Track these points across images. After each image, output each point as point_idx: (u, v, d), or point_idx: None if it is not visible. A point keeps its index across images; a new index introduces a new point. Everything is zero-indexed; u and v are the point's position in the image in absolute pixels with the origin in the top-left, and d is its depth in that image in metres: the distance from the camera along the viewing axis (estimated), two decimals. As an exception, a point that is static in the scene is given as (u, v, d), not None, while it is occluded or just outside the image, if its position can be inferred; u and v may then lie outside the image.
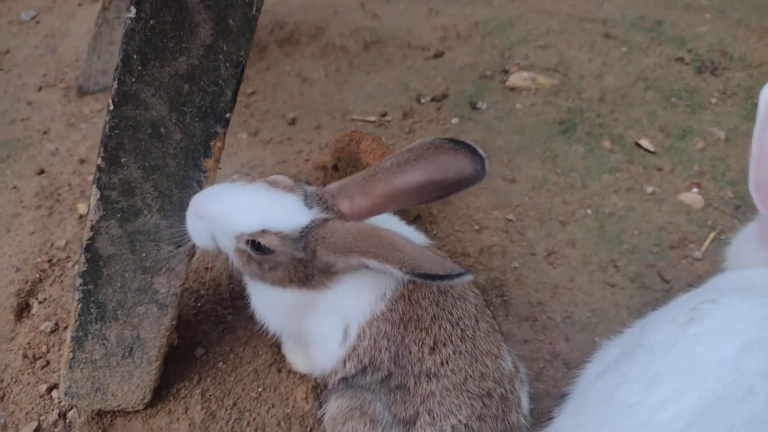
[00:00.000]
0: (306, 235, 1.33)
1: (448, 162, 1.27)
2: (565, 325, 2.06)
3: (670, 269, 2.25)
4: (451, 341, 1.41)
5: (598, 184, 2.56)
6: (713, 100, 3.08)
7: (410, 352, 1.41)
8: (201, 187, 1.47)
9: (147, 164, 1.42)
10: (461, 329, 1.42)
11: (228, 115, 1.40)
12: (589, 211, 2.45)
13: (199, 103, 1.37)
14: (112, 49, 3.15)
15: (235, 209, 1.34)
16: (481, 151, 1.25)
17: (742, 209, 2.49)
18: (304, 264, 1.38)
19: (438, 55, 3.33)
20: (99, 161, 1.40)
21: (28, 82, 3.30)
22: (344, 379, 1.50)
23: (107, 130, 1.37)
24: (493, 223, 2.38)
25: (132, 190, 1.44)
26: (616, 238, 2.36)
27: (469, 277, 1.16)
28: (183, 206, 1.47)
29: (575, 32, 3.48)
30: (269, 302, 1.54)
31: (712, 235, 2.38)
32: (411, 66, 3.30)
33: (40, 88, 3.26)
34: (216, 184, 1.45)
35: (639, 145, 2.75)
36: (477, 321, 1.45)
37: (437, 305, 1.43)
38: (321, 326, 1.50)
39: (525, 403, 1.51)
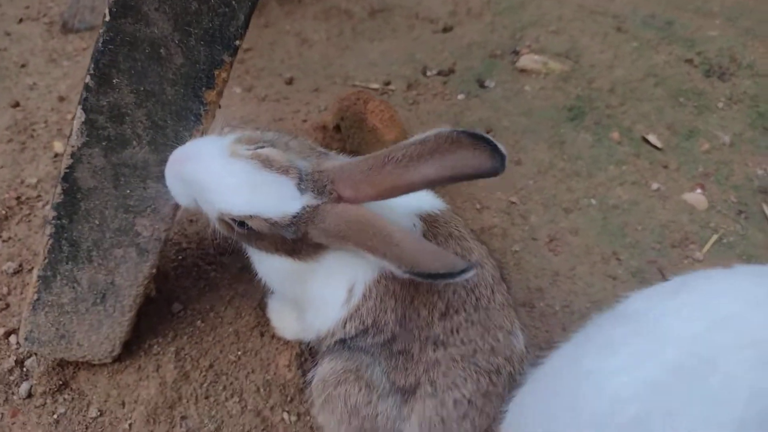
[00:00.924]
0: (296, 221, 1.23)
1: (465, 157, 1.15)
2: (563, 314, 1.97)
3: (671, 267, 2.18)
4: (464, 309, 1.30)
5: (604, 174, 2.47)
6: (720, 105, 3.02)
7: (419, 315, 1.29)
8: (199, 122, 1.32)
9: (141, 88, 1.26)
10: (476, 297, 1.31)
11: (237, 42, 1.26)
12: (593, 200, 2.36)
13: (207, 24, 1.22)
14: (103, -14, 2.95)
15: (222, 188, 1.21)
16: (502, 148, 1.13)
17: (745, 215, 2.43)
18: (292, 240, 1.27)
19: (447, 29, 3.20)
20: (87, 79, 1.24)
21: (8, 13, 3.08)
22: (342, 341, 1.38)
23: (100, 44, 1.21)
24: (495, 204, 2.27)
25: (122, 117, 1.29)
26: (619, 231, 2.28)
27: (471, 273, 1.08)
28: (177, 140, 1.33)
29: (587, 22, 3.39)
30: (268, 267, 1.43)
31: (714, 237, 2.32)
32: (418, 37, 3.16)
33: (21, 20, 3.04)
34: (203, 139, 1.32)
35: (646, 140, 2.67)
36: (493, 291, 1.34)
37: None
38: (324, 287, 1.37)
39: None
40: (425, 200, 1.42)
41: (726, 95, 3.09)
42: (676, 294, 1.14)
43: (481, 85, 2.83)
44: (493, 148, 1.13)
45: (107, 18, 1.18)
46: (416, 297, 1.30)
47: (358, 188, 1.23)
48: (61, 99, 2.50)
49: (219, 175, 1.21)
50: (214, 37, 1.23)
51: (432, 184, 1.21)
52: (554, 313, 1.98)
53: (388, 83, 2.81)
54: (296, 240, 1.26)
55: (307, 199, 1.22)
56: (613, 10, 3.73)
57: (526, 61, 2.90)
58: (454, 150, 1.15)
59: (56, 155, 2.20)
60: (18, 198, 2.03)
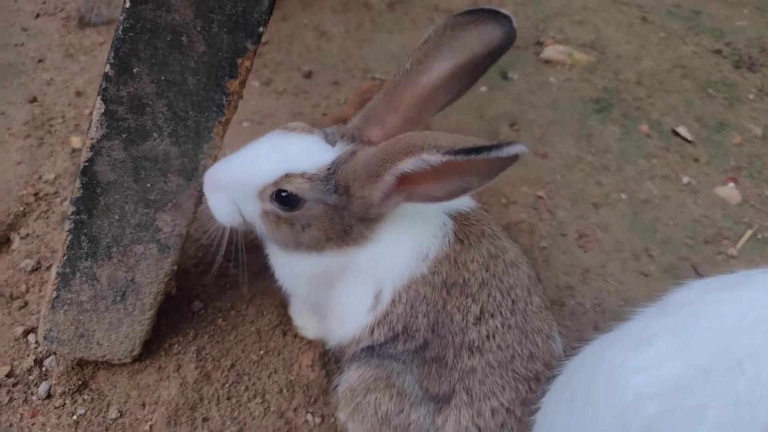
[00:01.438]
0: (335, 173, 1.17)
1: (472, 37, 1.11)
2: (594, 312, 1.90)
3: (704, 264, 2.10)
4: (500, 312, 1.22)
5: (633, 168, 2.39)
6: (750, 96, 2.93)
7: (452, 321, 1.22)
8: (221, 113, 1.27)
9: (162, 78, 1.21)
10: (512, 300, 1.24)
11: (261, 29, 1.21)
12: (623, 195, 2.29)
13: (230, 10, 1.17)
14: (120, -20, 2.92)
15: (252, 161, 1.20)
16: (504, 10, 1.10)
17: (780, 209, 2.34)
18: (339, 214, 1.20)
19: (468, 21, 3.13)
20: (107, 68, 1.19)
21: (25, 8, 3.05)
22: (369, 348, 1.31)
23: (120, 32, 1.16)
24: (521, 199, 2.20)
25: (142, 107, 1.24)
26: (650, 227, 2.20)
27: (522, 149, 0.96)
28: (198, 131, 1.28)
29: (612, 12, 3.31)
30: (296, 272, 1.37)
31: (749, 233, 2.23)
32: (438, 30, 3.10)
33: (38, 15, 3.01)
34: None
35: (676, 133, 2.59)
36: (530, 293, 1.27)
37: (487, 270, 1.24)
38: (349, 294, 1.31)
39: None
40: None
41: (757, 86, 2.99)
42: (730, 287, 1.06)
43: (505, 77, 2.76)
44: (495, 15, 1.10)
45: (127, 4, 1.13)
46: (449, 301, 1.23)
47: (384, 122, 1.20)
48: (79, 94, 2.47)
49: (245, 159, 1.22)
50: (237, 23, 1.17)
51: (454, 80, 1.16)
52: (585, 312, 1.91)
53: (408, 76, 2.75)
54: (343, 212, 1.20)
55: (339, 149, 1.19)
56: (636, 0, 3.64)
57: (551, 52, 2.82)
58: (459, 35, 1.12)
59: (74, 150, 2.17)
60: (36, 194, 2.00)
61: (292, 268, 1.37)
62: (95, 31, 2.90)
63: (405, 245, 1.26)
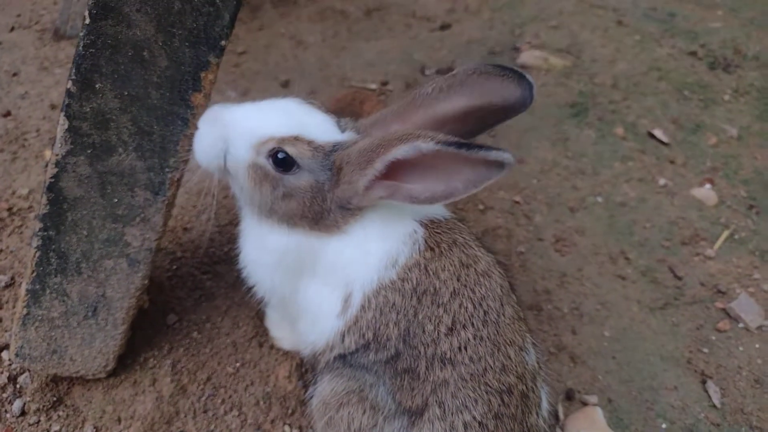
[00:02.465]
0: (337, 152, 1.21)
1: (494, 88, 1.18)
2: (572, 316, 1.91)
3: (681, 265, 2.12)
4: (472, 324, 1.21)
5: (609, 171, 2.41)
6: (726, 97, 2.96)
7: (424, 331, 1.21)
8: (186, 126, 1.27)
9: (125, 93, 1.21)
10: (484, 311, 1.23)
11: (223, 42, 1.21)
12: (599, 198, 2.30)
13: (191, 25, 1.17)
14: (95, -8, 2.91)
15: (265, 113, 1.24)
16: (529, 77, 1.17)
17: (756, 209, 2.36)
18: (323, 194, 1.23)
19: (445, 27, 3.15)
20: (69, 84, 1.19)
21: None
22: (342, 357, 1.30)
23: (81, 48, 1.16)
24: (498, 204, 2.21)
25: (106, 123, 1.23)
26: (627, 229, 2.21)
27: (509, 157, 1.03)
28: (164, 146, 1.27)
29: (587, 16, 3.34)
30: (264, 248, 1.33)
31: (725, 233, 2.25)
32: (415, 36, 3.11)
33: (12, 29, 3.00)
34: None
35: (652, 135, 2.61)
36: (502, 304, 1.26)
37: (458, 280, 1.23)
38: (317, 293, 1.30)
39: (545, 404, 1.32)
40: (428, 207, 1.35)
41: (732, 87, 3.02)
42: None
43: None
44: (520, 77, 1.17)
45: (87, 21, 1.13)
46: (420, 310, 1.22)
47: (390, 127, 1.26)
48: (53, 107, 2.45)
49: (261, 107, 1.25)
50: (199, 37, 1.17)
51: (464, 118, 1.22)
52: (562, 316, 1.91)
53: (385, 83, 2.75)
54: (326, 193, 1.22)
55: (346, 136, 1.26)
56: (613, 3, 3.68)
57: (527, 57, 2.84)
58: (483, 82, 1.19)
59: (47, 165, 2.15)
60: (9, 209, 1.98)
61: (261, 242, 1.34)
62: (70, 44, 2.89)
63: (374, 248, 1.26)
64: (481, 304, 1.23)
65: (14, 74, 2.66)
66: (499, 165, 1.05)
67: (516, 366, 1.22)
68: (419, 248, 1.25)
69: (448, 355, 1.20)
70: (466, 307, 1.22)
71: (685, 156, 2.56)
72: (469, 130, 1.25)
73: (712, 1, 3.95)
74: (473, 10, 3.24)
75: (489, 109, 1.21)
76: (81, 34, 1.15)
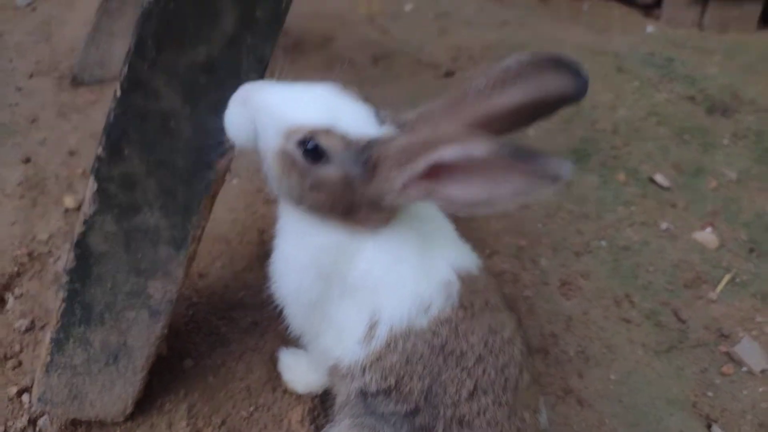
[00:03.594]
0: (371, 149, 1.13)
1: (548, 80, 1.11)
2: (578, 359, 1.95)
3: (685, 308, 2.16)
4: (493, 390, 1.22)
5: (612, 216, 2.47)
6: (725, 141, 3.03)
7: (445, 392, 1.21)
8: (209, 189, 1.33)
9: (152, 158, 1.28)
10: (505, 378, 1.23)
11: (247, 109, 1.27)
12: (603, 242, 2.36)
13: (216, 97, 1.24)
14: (111, 40, 3.02)
15: (298, 99, 1.17)
16: (584, 71, 1.12)
17: (756, 252, 2.42)
18: (353, 188, 1.16)
19: (449, 74, 3.25)
20: (99, 150, 1.26)
21: (19, 68, 3.15)
22: (363, 395, 1.29)
23: (112, 118, 1.24)
24: (504, 249, 2.27)
25: (133, 185, 1.30)
26: (631, 273, 2.26)
27: (567, 169, 0.94)
28: (187, 205, 1.34)
29: (587, 63, 3.40)
30: (300, 249, 1.28)
31: (727, 277, 2.30)
32: (421, 83, 3.21)
33: (32, 75, 3.11)
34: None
35: (653, 180, 2.68)
36: (521, 371, 1.27)
37: (485, 346, 1.24)
38: (344, 307, 1.28)
39: None
40: (463, 254, 1.34)
41: (730, 131, 3.10)
42: None
43: (486, 129, 2.86)
44: (576, 72, 1.12)
45: (118, 93, 1.21)
46: (444, 370, 1.22)
47: (437, 126, 1.17)
48: (71, 153, 2.53)
49: (295, 92, 1.19)
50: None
51: (518, 113, 1.14)
52: (569, 359, 1.95)
53: (393, 129, 2.84)
54: (357, 188, 1.16)
55: (385, 130, 1.17)
56: (612, 49, 3.79)
57: (530, 103, 2.93)
58: (537, 74, 1.12)
59: (66, 210, 2.22)
60: (30, 254, 2.04)
61: (298, 239, 1.29)
62: (88, 90, 2.99)
63: (406, 280, 1.24)
64: (503, 371, 1.24)
65: (33, 120, 2.76)
66: (554, 177, 0.96)
67: (529, 428, 1.24)
68: (453, 304, 1.24)
69: (466, 418, 1.21)
70: (489, 374, 1.22)
71: (686, 200, 2.62)
72: (522, 123, 1.18)
73: (709, 47, 4.07)
74: (477, 58, 3.35)
75: (544, 102, 1.14)
76: (111, 105, 1.22)
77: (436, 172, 1.05)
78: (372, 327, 1.24)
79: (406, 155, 1.07)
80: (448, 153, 1.00)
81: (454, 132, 1.08)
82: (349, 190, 1.16)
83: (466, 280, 1.27)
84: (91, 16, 2.94)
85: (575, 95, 1.13)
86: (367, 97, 1.24)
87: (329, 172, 1.15)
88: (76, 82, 3.04)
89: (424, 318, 1.23)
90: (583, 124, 2.92)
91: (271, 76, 1.35)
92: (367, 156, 1.13)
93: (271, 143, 1.18)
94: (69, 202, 2.24)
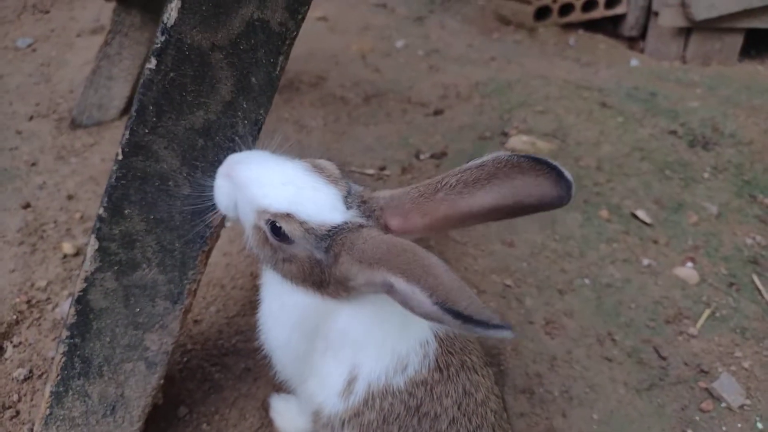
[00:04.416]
0: (333, 236, 1.16)
1: (526, 184, 1.06)
2: (562, 399, 2.00)
3: (666, 345, 2.22)
4: None
5: (595, 253, 2.54)
6: (705, 175, 3.13)
7: None
8: (205, 243, 1.41)
9: (152, 217, 1.35)
10: None
11: (240, 171, 1.35)
12: (586, 280, 2.43)
13: (213, 158, 1.33)
14: (110, 84, 3.11)
15: (266, 181, 1.19)
16: (567, 174, 1.05)
17: (736, 287, 2.49)
18: (321, 267, 1.20)
19: (438, 113, 3.35)
20: (101, 211, 1.33)
21: (19, 111, 3.23)
22: None
23: (113, 180, 1.31)
24: (491, 288, 2.34)
25: (132, 243, 1.37)
26: (614, 310, 2.33)
27: (508, 334, 0.92)
28: (184, 261, 1.41)
29: (573, 99, 3.54)
30: (282, 309, 1.33)
31: (707, 312, 2.37)
32: (411, 121, 3.30)
33: (31, 118, 3.19)
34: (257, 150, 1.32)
35: (635, 216, 2.76)
36: (494, 430, 1.33)
37: (458, 408, 1.29)
38: (326, 362, 1.33)
39: None
40: None
41: (711, 165, 3.20)
42: None
43: (473, 167, 2.94)
44: (558, 174, 1.05)
45: (120, 157, 1.28)
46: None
47: (407, 217, 1.17)
48: (70, 197, 2.60)
49: (267, 172, 1.21)
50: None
51: (489, 215, 1.11)
52: (553, 399, 2.01)
53: (383, 168, 2.92)
54: (324, 268, 1.19)
55: (351, 216, 1.17)
56: (597, 84, 3.91)
57: (515, 142, 3.02)
58: (514, 176, 1.07)
59: (65, 256, 2.28)
60: (29, 302, 2.10)
61: (280, 300, 1.33)
62: (86, 133, 3.07)
63: (385, 338, 1.27)
64: None
65: (33, 164, 2.83)
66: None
67: None
68: (429, 365, 1.28)
69: None
70: None
71: (668, 236, 2.70)
72: (494, 219, 1.15)
73: (691, 80, 4.20)
74: (464, 97, 3.46)
75: (517, 207, 1.09)
76: (113, 168, 1.30)
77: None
78: (351, 382, 1.30)
79: (365, 259, 1.08)
80: (398, 284, 1.01)
81: (411, 262, 1.01)
82: (318, 268, 1.20)
83: (444, 342, 1.32)
84: (91, 57, 3.03)
85: (557, 202, 1.07)
86: (343, 171, 1.28)
87: (297, 249, 1.20)
88: (75, 124, 3.12)
89: (401, 378, 1.27)
90: (568, 161, 3.01)
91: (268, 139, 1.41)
92: (328, 243, 1.16)
93: (247, 217, 1.24)
94: (68, 248, 2.30)
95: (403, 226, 1.19)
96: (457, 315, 0.93)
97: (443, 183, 1.13)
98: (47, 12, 4.35)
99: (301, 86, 3.62)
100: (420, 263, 1.01)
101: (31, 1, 4.41)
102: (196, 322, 2.03)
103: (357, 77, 3.67)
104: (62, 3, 4.48)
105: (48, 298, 2.13)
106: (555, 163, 1.06)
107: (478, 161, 1.12)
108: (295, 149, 3.16)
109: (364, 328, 1.29)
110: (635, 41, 4.93)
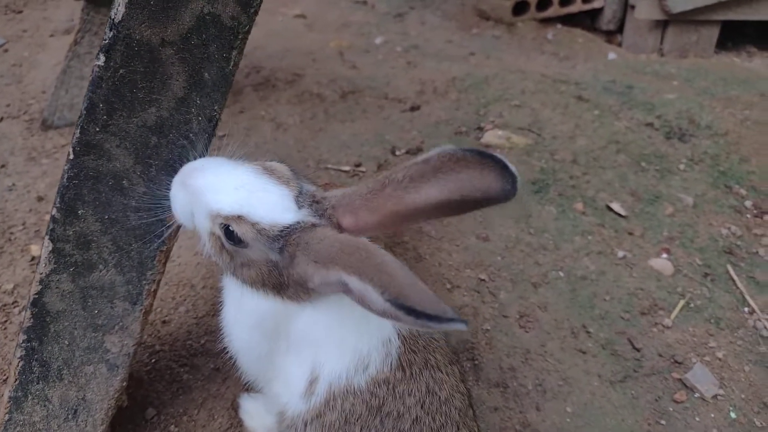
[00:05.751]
0: (286, 236, 1.16)
1: (471, 178, 1.06)
2: (536, 393, 2.00)
3: (640, 337, 2.23)
4: None
5: (570, 246, 2.54)
6: (681, 166, 3.13)
7: None
8: (163, 243, 1.38)
9: (106, 217, 1.33)
10: None
11: (197, 168, 1.33)
12: (561, 273, 2.43)
13: (167, 156, 1.31)
14: (82, 83, 3.07)
15: (218, 186, 1.20)
16: (512, 167, 1.05)
17: (711, 277, 2.50)
18: (278, 269, 1.20)
19: (414, 109, 3.33)
20: (54, 212, 1.31)
21: (-10, 112, 3.18)
22: None
23: (65, 180, 1.29)
24: (465, 283, 2.33)
25: (88, 244, 1.35)
26: (588, 303, 2.33)
27: (462, 327, 0.93)
28: (142, 261, 1.39)
29: (549, 93, 3.54)
30: (242, 312, 1.34)
31: (681, 303, 2.37)
32: (387, 118, 3.29)
33: (2, 119, 3.15)
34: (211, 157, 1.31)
35: (610, 209, 2.76)
36: (458, 428, 1.32)
37: (422, 407, 1.28)
38: (288, 362, 1.32)
39: None
40: None
41: (687, 156, 3.21)
42: None
43: (449, 163, 2.94)
44: (503, 167, 1.05)
45: (71, 156, 1.26)
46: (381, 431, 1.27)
47: (357, 215, 1.17)
48: (40, 199, 2.56)
49: (219, 177, 1.22)
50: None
51: (437, 210, 1.11)
52: (527, 393, 2.00)
53: (358, 165, 2.91)
54: (282, 270, 1.19)
55: (303, 216, 1.18)
56: (574, 77, 3.91)
57: (490, 137, 3.02)
58: (460, 170, 1.07)
59: (33, 259, 2.25)
60: (-5, 305, 2.07)
61: (240, 303, 1.34)
62: (58, 134, 3.03)
63: (345, 337, 1.27)
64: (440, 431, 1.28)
65: (2, 166, 2.79)
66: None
67: None
68: (391, 364, 1.27)
69: None
70: None
71: (643, 227, 2.71)
72: (443, 215, 1.15)
73: (668, 72, 4.21)
74: (441, 92, 3.44)
75: (465, 201, 1.08)
76: (65, 167, 1.27)
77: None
78: (312, 382, 1.29)
79: (319, 258, 1.10)
80: (351, 282, 1.02)
81: (363, 261, 1.03)
82: (276, 271, 1.20)
83: (407, 340, 1.31)
84: (63, 58, 2.99)
85: (503, 196, 1.06)
86: (295, 171, 1.28)
87: (253, 253, 1.20)
88: (46, 125, 3.08)
89: (362, 377, 1.26)
90: (543, 155, 3.00)
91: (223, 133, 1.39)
92: (282, 244, 1.17)
93: (202, 225, 1.25)
94: (36, 250, 2.27)
95: (355, 224, 1.19)
96: (410, 311, 0.93)
97: (390, 178, 1.13)
98: (20, 12, 4.29)
99: (277, 83, 3.59)
100: (372, 261, 1.02)
101: (4, 0, 4.35)
102: (164, 322, 2.01)
103: (334, 74, 3.65)
104: (35, 3, 4.42)
105: (15, 302, 2.09)
106: (500, 156, 1.06)
107: (424, 156, 1.11)
108: (272, 146, 3.13)
109: (325, 328, 1.29)
110: (613, 35, 4.94)
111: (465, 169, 1.07)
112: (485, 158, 1.06)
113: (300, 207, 1.19)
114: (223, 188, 1.19)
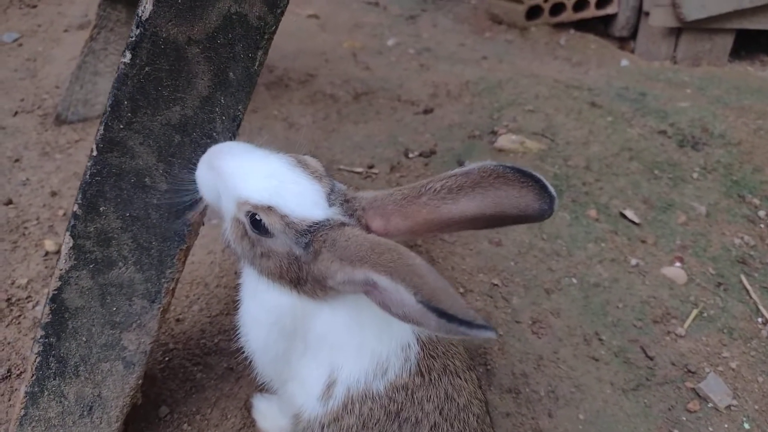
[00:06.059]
0: (314, 232, 1.14)
1: (510, 195, 1.07)
2: (548, 399, 1.99)
3: (653, 345, 2.21)
4: None
5: (583, 253, 2.53)
6: (694, 175, 3.12)
7: None
8: (183, 242, 1.38)
9: (127, 214, 1.33)
10: None
11: (219, 167, 1.33)
12: (574, 280, 2.42)
13: (190, 155, 1.30)
14: (96, 79, 3.08)
15: (250, 172, 1.18)
16: (551, 189, 1.06)
17: (724, 287, 2.48)
18: (299, 264, 1.18)
19: (428, 111, 3.33)
20: (76, 208, 1.31)
21: (3, 106, 3.19)
22: None
23: (88, 176, 1.28)
24: (478, 287, 2.32)
25: (108, 241, 1.35)
26: (601, 310, 2.32)
27: (492, 334, 0.91)
28: (161, 259, 1.38)
29: (562, 98, 3.53)
30: (261, 309, 1.31)
31: (694, 312, 2.36)
32: (400, 120, 3.28)
33: (16, 113, 3.15)
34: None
35: (624, 216, 2.75)
36: None
37: (440, 413, 1.27)
38: (305, 364, 1.31)
39: None
40: None
41: (700, 165, 3.19)
42: None
43: (462, 166, 2.93)
44: (542, 188, 1.06)
45: (94, 153, 1.26)
46: None
47: (389, 219, 1.17)
48: (53, 194, 2.57)
49: (250, 163, 1.20)
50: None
51: (471, 223, 1.12)
52: (539, 399, 1.99)
53: (371, 166, 2.90)
54: (302, 264, 1.18)
55: (333, 214, 1.16)
56: (587, 83, 3.90)
57: (504, 141, 3.01)
58: (499, 186, 1.08)
59: (47, 254, 2.25)
60: (8, 300, 2.07)
61: (259, 299, 1.31)
62: (71, 129, 3.04)
63: (364, 341, 1.25)
64: None
65: (16, 160, 2.79)
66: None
67: None
68: (410, 369, 1.26)
69: None
70: None
71: (656, 235, 2.70)
72: (476, 228, 1.17)
73: (681, 80, 4.19)
74: (454, 95, 3.44)
75: (500, 216, 1.10)
76: (88, 164, 1.27)
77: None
78: (330, 386, 1.28)
79: (347, 257, 1.08)
80: (382, 282, 1.00)
81: (395, 261, 1.01)
82: (296, 264, 1.19)
83: (426, 346, 1.30)
84: (78, 53, 2.99)
85: (539, 215, 1.08)
86: (328, 170, 1.27)
87: (275, 244, 1.19)
88: (60, 120, 3.08)
89: (380, 383, 1.25)
90: (556, 160, 2.99)
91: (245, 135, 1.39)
92: (308, 239, 1.15)
93: (227, 209, 1.23)
94: (49, 245, 2.27)
95: (384, 227, 1.18)
96: (442, 314, 0.92)
97: (427, 187, 1.13)
98: (34, 6, 4.30)
99: (290, 83, 3.59)
100: (404, 262, 1.00)
101: (19, -4, 4.36)
102: (178, 320, 2.00)
103: (347, 75, 3.65)
104: (50, -2, 4.43)
105: (29, 296, 2.09)
106: (540, 176, 1.07)
107: (464, 168, 1.12)
108: (284, 146, 3.14)
109: (344, 331, 1.28)
110: (626, 41, 4.93)
111: (504, 185, 1.08)
112: (526, 177, 1.07)
113: (331, 205, 1.17)
114: (254, 175, 1.17)
